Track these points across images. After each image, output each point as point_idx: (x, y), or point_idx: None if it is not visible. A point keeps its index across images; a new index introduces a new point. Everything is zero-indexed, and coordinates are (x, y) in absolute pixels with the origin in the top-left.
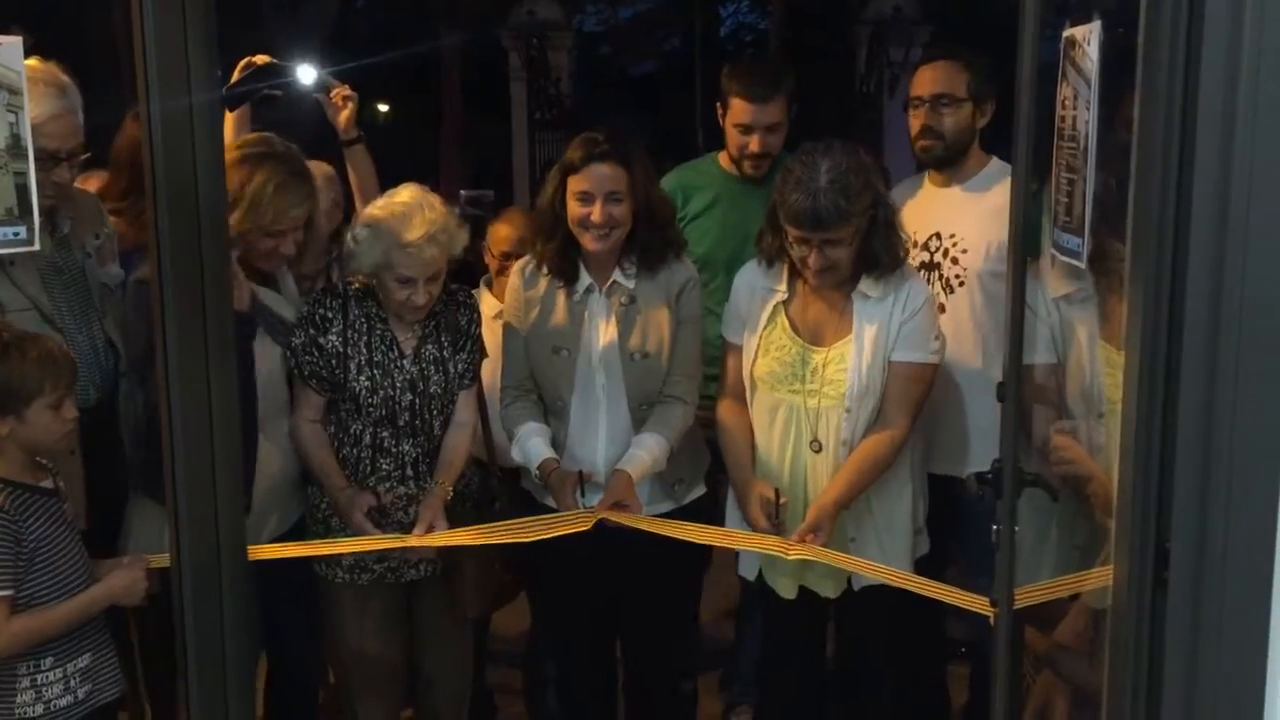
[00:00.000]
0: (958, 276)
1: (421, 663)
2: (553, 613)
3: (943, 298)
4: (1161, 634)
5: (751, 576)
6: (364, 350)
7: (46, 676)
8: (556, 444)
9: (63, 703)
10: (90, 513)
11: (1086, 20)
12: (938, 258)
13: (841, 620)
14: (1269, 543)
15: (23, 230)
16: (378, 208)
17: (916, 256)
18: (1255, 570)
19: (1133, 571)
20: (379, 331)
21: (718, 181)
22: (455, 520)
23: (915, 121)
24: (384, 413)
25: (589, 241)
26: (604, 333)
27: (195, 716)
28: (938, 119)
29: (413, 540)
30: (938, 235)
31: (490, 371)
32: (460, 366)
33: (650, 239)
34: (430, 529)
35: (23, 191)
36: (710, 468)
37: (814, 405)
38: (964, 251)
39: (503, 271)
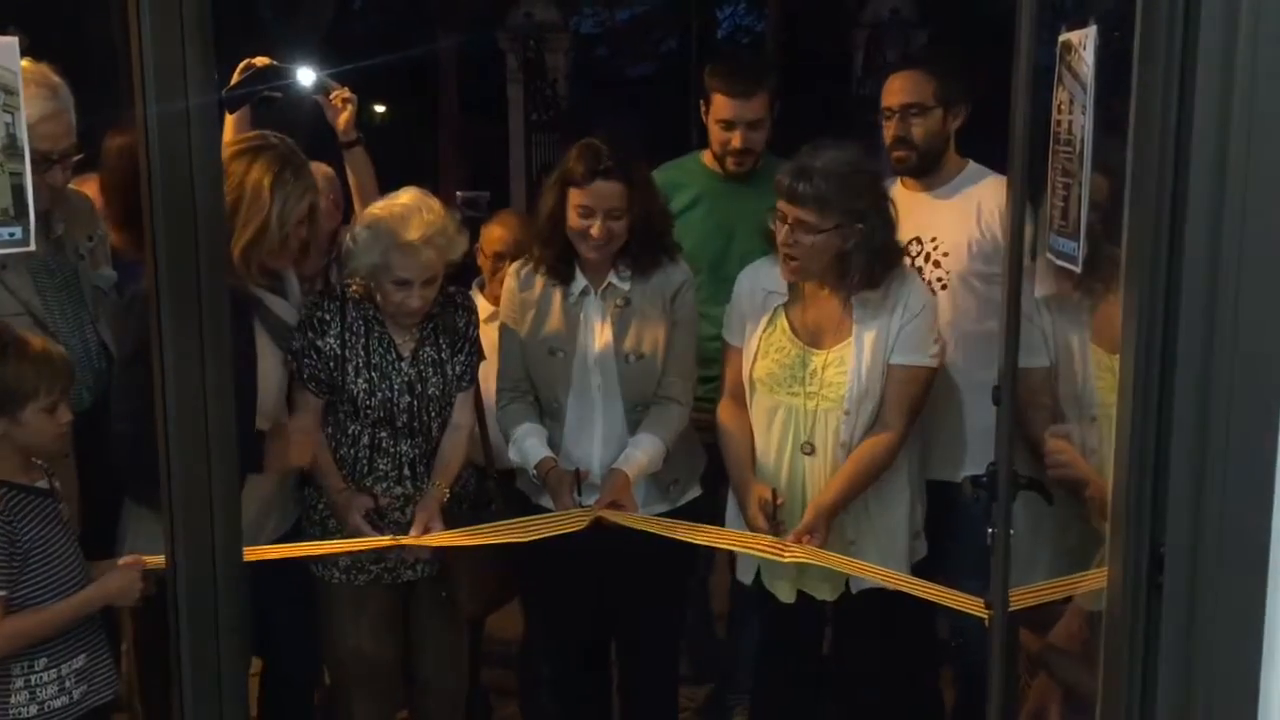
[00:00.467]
0: (940, 280)
1: (417, 664)
2: (548, 614)
3: None
4: (1156, 637)
5: (749, 580)
6: (362, 353)
7: (41, 677)
8: (552, 445)
9: (57, 704)
10: (85, 515)
11: (1082, 25)
12: (919, 261)
13: (839, 623)
14: (1263, 545)
15: (18, 231)
16: (378, 208)
17: None
18: (1249, 573)
19: (1127, 574)
20: (377, 334)
21: (701, 180)
22: (451, 522)
23: (887, 132)
24: (382, 414)
25: (586, 250)
26: (599, 334)
27: (189, 718)
28: (908, 128)
29: (407, 540)
30: (918, 239)
31: (486, 374)
32: (458, 369)
33: (646, 245)
34: (426, 530)
35: (18, 192)
36: (706, 469)
37: (813, 408)
38: (945, 254)
39: (495, 272)
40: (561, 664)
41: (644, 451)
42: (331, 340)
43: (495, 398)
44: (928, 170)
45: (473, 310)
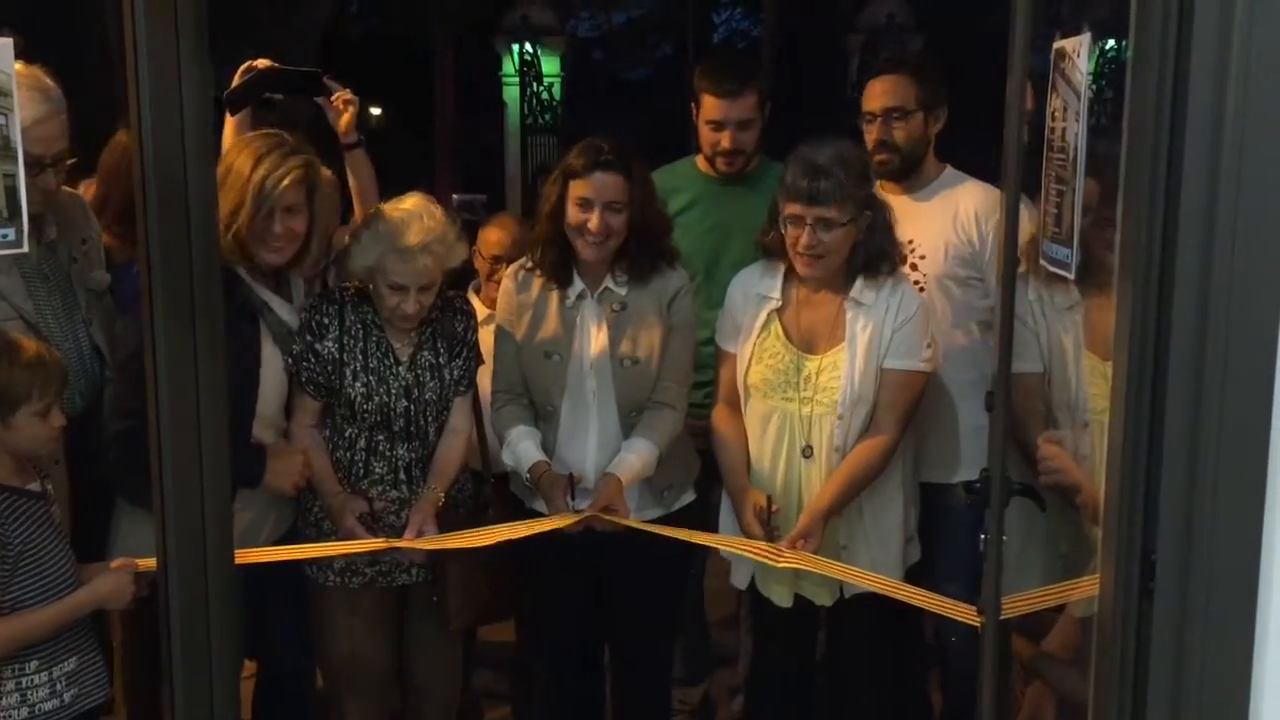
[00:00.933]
0: (918, 283)
1: (410, 668)
2: (541, 618)
3: None
4: (1147, 643)
5: (743, 585)
6: (359, 356)
7: (32, 680)
8: (546, 448)
9: (48, 706)
10: (76, 517)
11: (1076, 32)
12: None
13: (833, 626)
14: (1254, 552)
15: (10, 232)
16: (380, 211)
17: None
18: (1240, 580)
19: (1119, 581)
20: (375, 338)
21: (695, 182)
22: (446, 527)
23: (869, 136)
24: (379, 418)
25: (583, 248)
26: (595, 338)
27: None
28: (890, 132)
29: (400, 543)
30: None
31: (482, 377)
32: (456, 373)
33: (643, 248)
34: (420, 534)
35: (11, 193)
36: (700, 474)
37: (807, 413)
38: (922, 258)
39: (492, 275)
40: (555, 669)
41: (638, 456)
42: (330, 344)
43: (490, 400)
44: (908, 173)
45: (471, 315)
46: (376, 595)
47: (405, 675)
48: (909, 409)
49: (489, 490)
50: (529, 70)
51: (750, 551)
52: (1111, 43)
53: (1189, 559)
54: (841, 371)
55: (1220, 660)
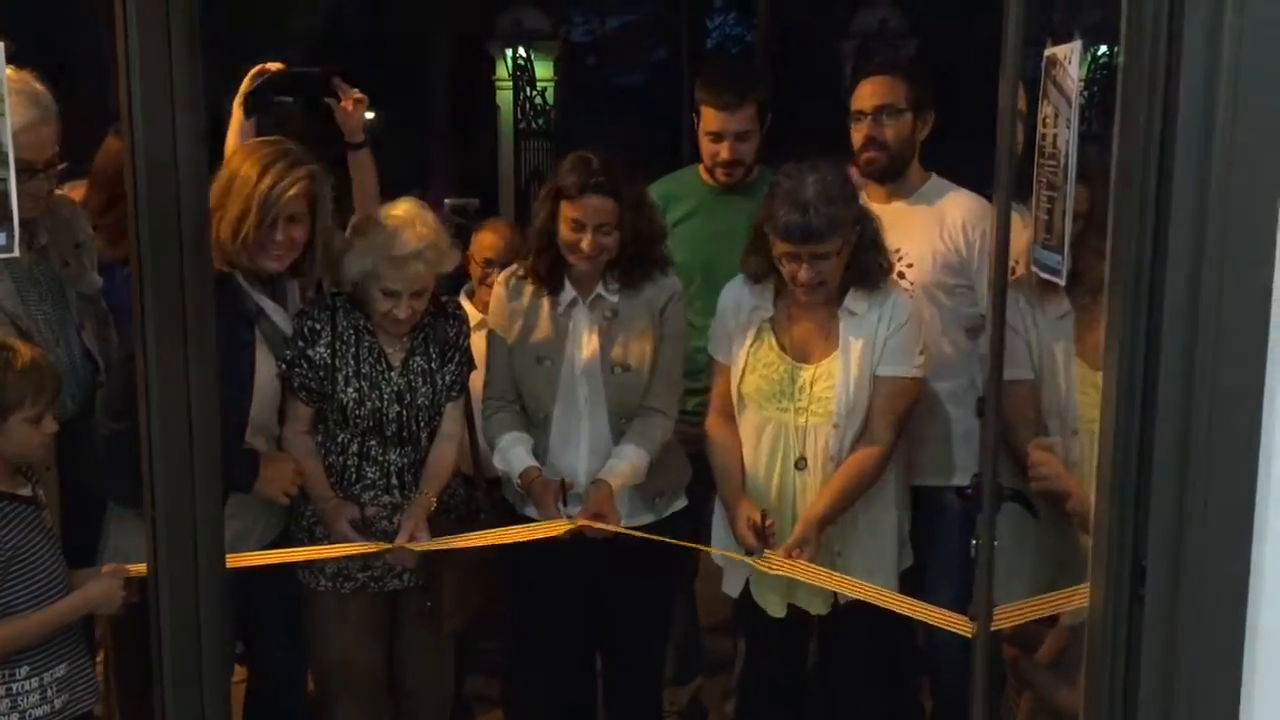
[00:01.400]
0: (905, 291)
1: (402, 673)
2: (533, 623)
3: None
4: (1138, 650)
5: (735, 594)
6: (352, 362)
7: (22, 685)
8: (538, 454)
9: (39, 712)
10: (67, 522)
11: (1068, 39)
12: None
13: (825, 634)
14: (1244, 559)
15: (2, 237)
16: (371, 217)
17: None
18: (1230, 587)
19: (1109, 588)
20: (367, 343)
21: (697, 191)
22: (438, 531)
23: (858, 135)
24: (371, 424)
25: (576, 261)
26: (587, 345)
27: None
28: (880, 130)
29: (390, 546)
30: None
31: (474, 382)
32: (448, 378)
33: (636, 257)
34: (412, 539)
35: (2, 199)
36: (692, 481)
37: (802, 423)
38: (909, 266)
39: (485, 279)
40: (547, 674)
41: (628, 463)
42: (322, 349)
43: (482, 406)
44: (895, 175)
45: (464, 320)
46: (368, 600)
47: (397, 680)
48: (902, 416)
49: (481, 495)
50: (523, 74)
51: (745, 556)
52: (1103, 49)
53: (1179, 566)
54: (836, 380)
55: (1210, 667)
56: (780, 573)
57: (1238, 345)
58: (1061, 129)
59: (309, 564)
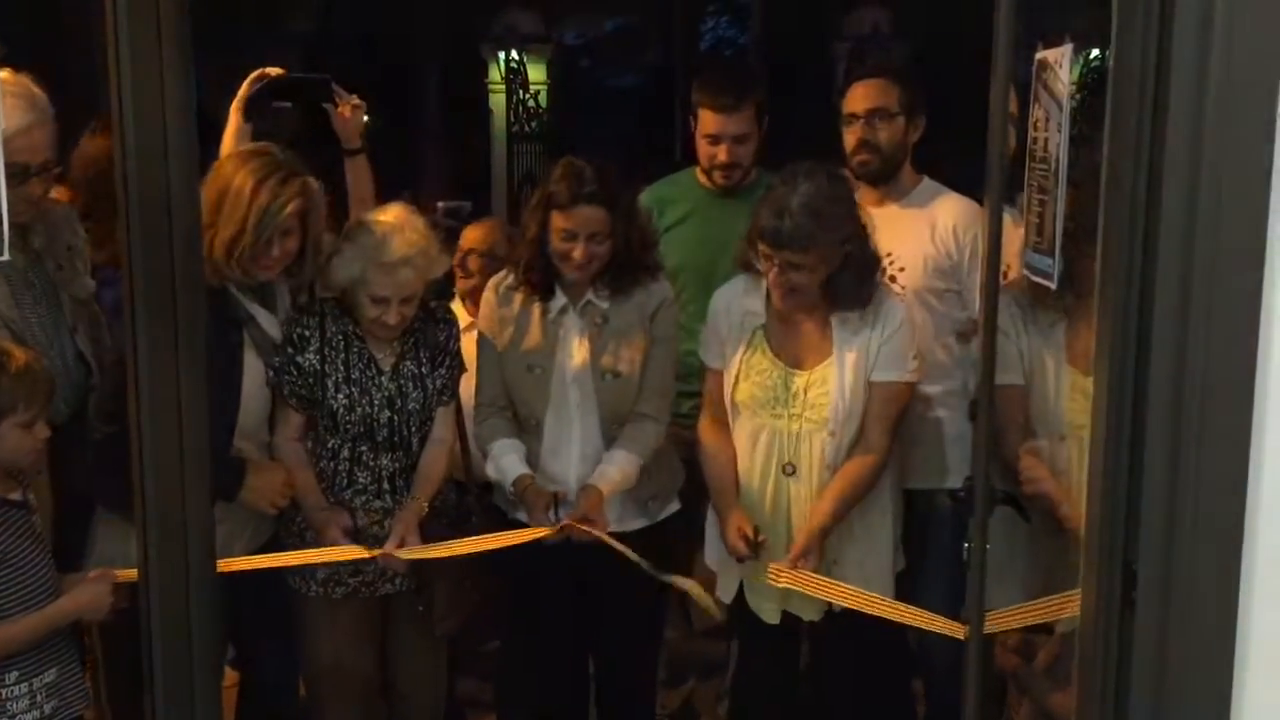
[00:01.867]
0: (898, 295)
1: (394, 678)
2: (526, 627)
3: None
4: (1129, 655)
5: (729, 598)
6: (341, 368)
7: (11, 691)
8: (530, 461)
9: (28, 718)
10: (59, 528)
11: (1059, 43)
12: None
13: (818, 639)
14: (1234, 563)
15: None
16: (360, 223)
17: None
18: (1221, 591)
19: (1100, 592)
20: (356, 349)
21: (693, 195)
22: (429, 536)
23: (850, 138)
24: (361, 429)
25: (567, 270)
26: (577, 351)
27: None
28: (873, 133)
29: (380, 552)
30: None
31: (465, 387)
32: (438, 383)
33: (627, 264)
34: (403, 544)
35: None
36: (684, 485)
37: (796, 429)
38: (901, 270)
39: (463, 264)
40: (539, 677)
41: (618, 468)
42: (311, 355)
43: (473, 411)
44: (887, 178)
45: (454, 324)
46: (360, 605)
47: (389, 684)
48: (896, 421)
49: (472, 500)
50: (515, 77)
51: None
52: (1095, 53)
53: (1170, 570)
54: (831, 387)
55: (1202, 671)
56: (786, 584)
57: (1228, 349)
58: (1053, 132)
59: (300, 569)
